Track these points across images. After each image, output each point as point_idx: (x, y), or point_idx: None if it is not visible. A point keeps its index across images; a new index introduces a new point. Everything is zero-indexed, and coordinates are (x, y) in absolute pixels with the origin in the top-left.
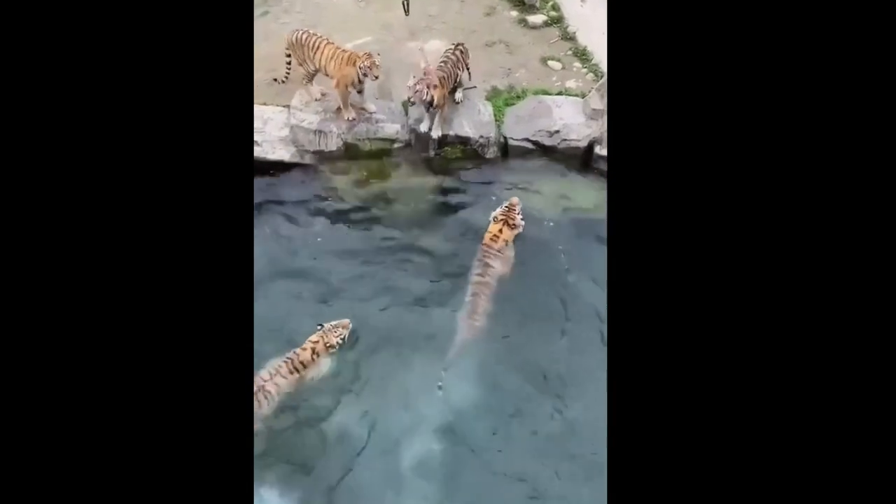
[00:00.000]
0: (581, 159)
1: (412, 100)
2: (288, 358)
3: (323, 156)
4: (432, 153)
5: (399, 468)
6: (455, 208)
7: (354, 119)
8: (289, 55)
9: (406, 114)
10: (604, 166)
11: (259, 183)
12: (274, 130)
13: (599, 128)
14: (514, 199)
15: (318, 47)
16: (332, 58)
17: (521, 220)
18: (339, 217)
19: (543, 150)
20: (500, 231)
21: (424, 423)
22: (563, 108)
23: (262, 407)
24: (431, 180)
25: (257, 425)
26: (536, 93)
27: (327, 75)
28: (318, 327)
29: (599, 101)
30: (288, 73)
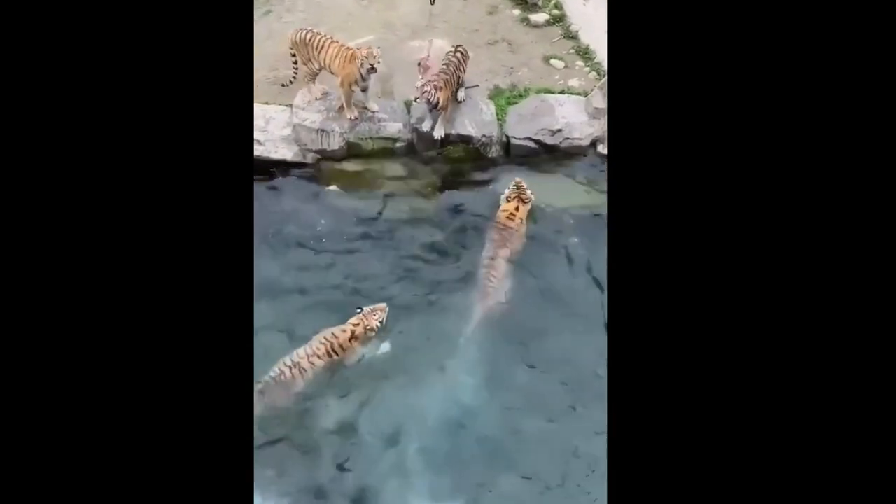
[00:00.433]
0: (583, 158)
1: (418, 99)
2: (326, 339)
3: (325, 155)
4: (435, 153)
5: (405, 460)
6: (457, 207)
7: (357, 118)
8: (294, 54)
9: (408, 113)
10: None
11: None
12: (276, 129)
13: (602, 126)
14: (518, 179)
15: (323, 46)
16: (336, 56)
17: (531, 194)
18: (339, 216)
19: (546, 149)
20: (517, 208)
21: (432, 417)
22: (566, 106)
23: (296, 383)
24: (433, 179)
25: (286, 399)
26: (539, 92)
27: (332, 73)
28: (358, 310)
29: (602, 100)
30: (295, 74)
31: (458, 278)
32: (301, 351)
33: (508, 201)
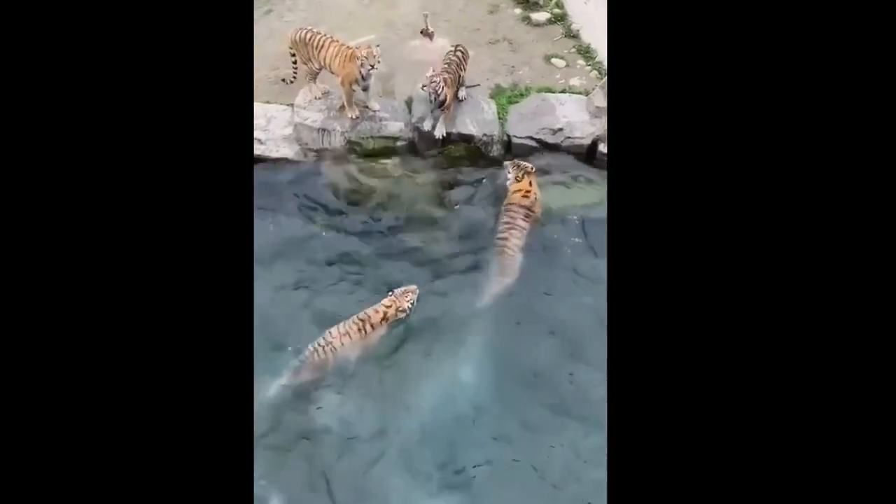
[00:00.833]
0: (584, 157)
1: (425, 87)
2: (360, 319)
3: (326, 154)
4: (436, 152)
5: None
6: (458, 206)
7: (358, 117)
8: (293, 54)
9: (409, 112)
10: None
11: (263, 179)
12: (277, 129)
13: (603, 125)
14: (510, 161)
15: (322, 45)
16: (336, 55)
17: (529, 166)
18: (341, 215)
19: (547, 148)
20: (531, 184)
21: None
22: (567, 105)
23: (328, 361)
24: (434, 178)
25: (319, 378)
26: (540, 91)
27: (332, 73)
28: (389, 293)
29: (603, 99)
30: (295, 73)
31: (455, 279)
32: (334, 330)
33: (518, 181)
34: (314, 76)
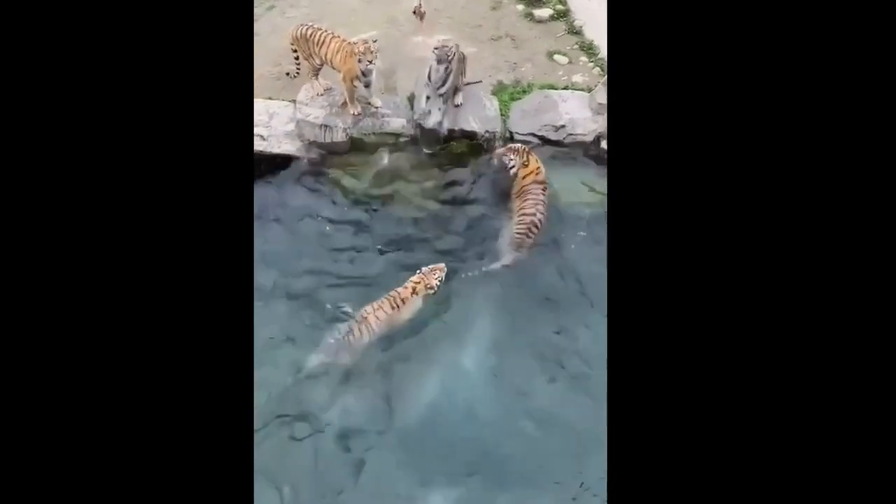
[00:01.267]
0: (587, 154)
1: (436, 51)
2: (390, 295)
3: (328, 150)
4: (438, 149)
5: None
6: (461, 203)
7: (360, 114)
8: (295, 50)
9: (412, 108)
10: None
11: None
12: (280, 125)
13: (605, 122)
14: (501, 150)
15: (323, 41)
16: (337, 51)
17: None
18: (343, 211)
19: (549, 145)
20: (537, 161)
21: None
22: (569, 102)
23: (363, 337)
24: (437, 174)
25: (354, 355)
26: (542, 87)
27: (333, 69)
28: (418, 271)
29: (606, 96)
30: (298, 68)
31: (458, 277)
32: (368, 307)
33: (525, 166)
34: (316, 72)
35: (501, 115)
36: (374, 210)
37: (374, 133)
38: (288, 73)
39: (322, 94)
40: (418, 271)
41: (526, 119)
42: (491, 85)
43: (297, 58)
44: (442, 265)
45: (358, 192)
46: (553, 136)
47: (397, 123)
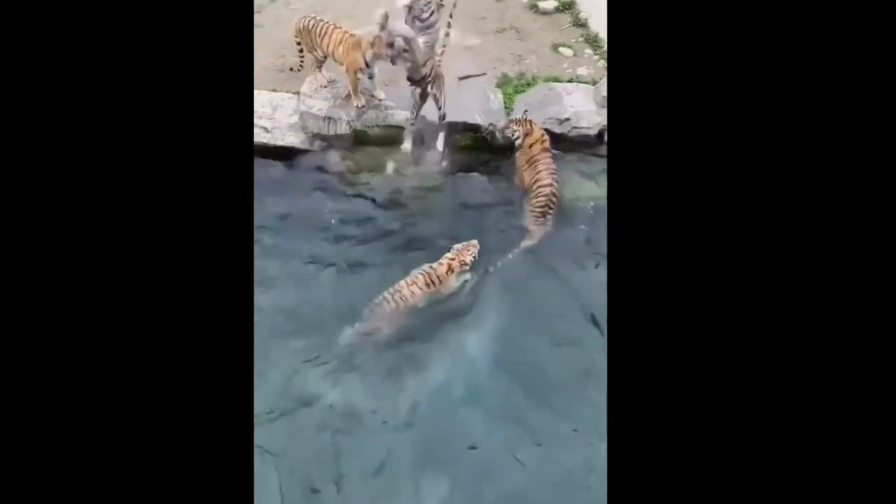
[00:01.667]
0: (591, 147)
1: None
2: (425, 271)
3: (332, 142)
4: (440, 147)
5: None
6: (465, 198)
7: (364, 106)
8: (299, 42)
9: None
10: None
11: (267, 168)
12: (283, 117)
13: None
14: (500, 124)
15: (326, 33)
16: (340, 43)
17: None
18: (346, 207)
19: (553, 138)
20: (541, 130)
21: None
22: (574, 95)
23: (399, 308)
24: (442, 167)
25: (386, 327)
26: (547, 80)
27: (336, 61)
28: (453, 248)
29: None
30: (302, 61)
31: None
32: (402, 282)
33: (529, 135)
34: (320, 65)
35: (505, 107)
36: (379, 204)
37: (377, 125)
38: (291, 69)
39: (326, 86)
40: (452, 248)
41: (530, 112)
42: (495, 77)
43: (300, 50)
44: (475, 241)
45: (362, 186)
46: (557, 129)
47: (401, 116)
